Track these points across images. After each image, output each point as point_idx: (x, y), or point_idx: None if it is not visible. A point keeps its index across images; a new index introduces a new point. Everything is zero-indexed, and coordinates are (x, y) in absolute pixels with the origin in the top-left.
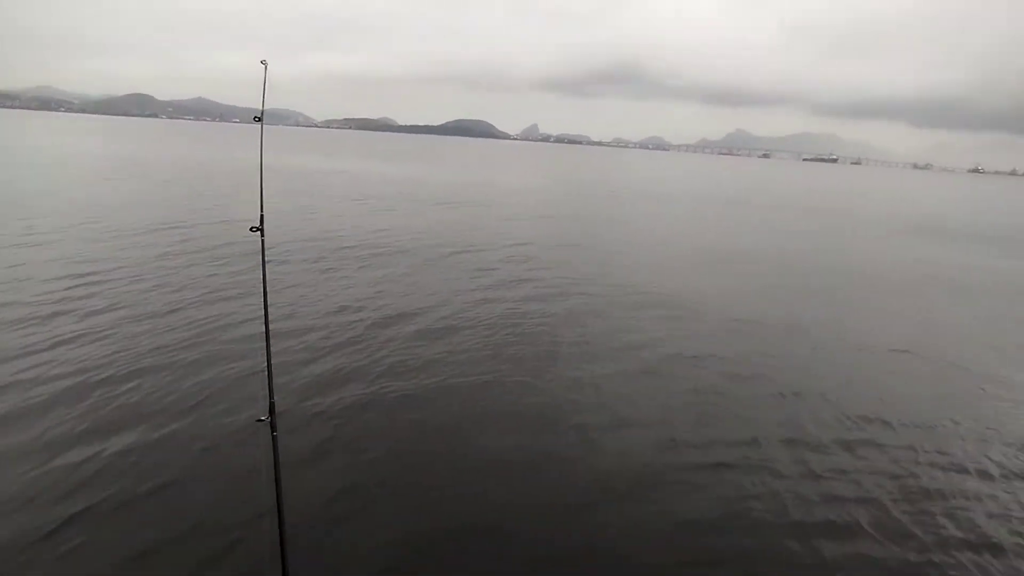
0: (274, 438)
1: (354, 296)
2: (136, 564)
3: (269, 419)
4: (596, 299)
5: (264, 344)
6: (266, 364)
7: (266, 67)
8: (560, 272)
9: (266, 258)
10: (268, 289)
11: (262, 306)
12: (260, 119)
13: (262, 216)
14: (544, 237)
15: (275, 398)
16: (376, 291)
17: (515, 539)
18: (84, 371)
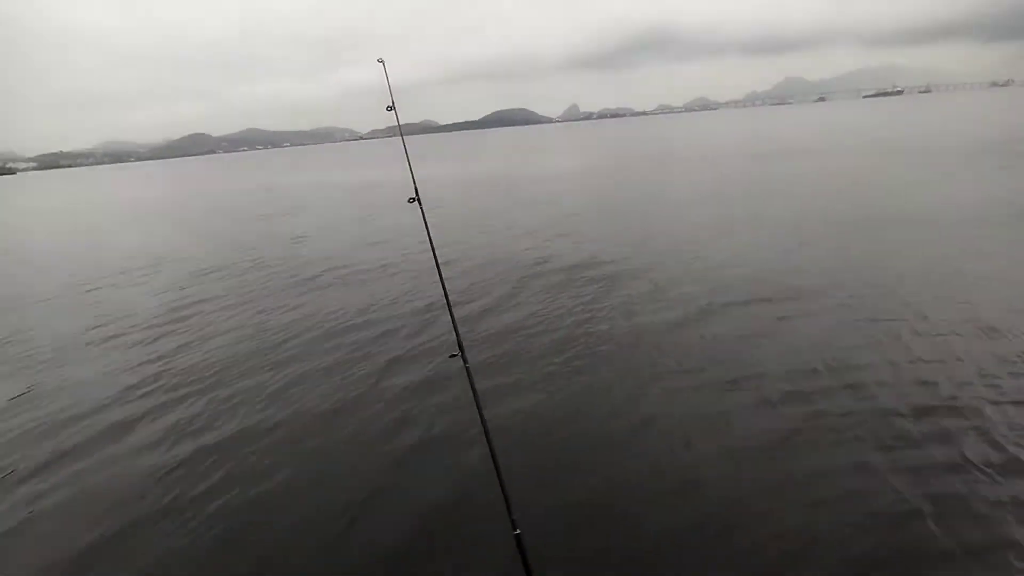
0: (467, 369)
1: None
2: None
3: (460, 354)
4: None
5: (442, 292)
6: (447, 308)
7: (384, 63)
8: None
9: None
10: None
11: (433, 260)
12: (392, 107)
13: (416, 189)
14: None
15: (461, 339)
16: (528, 247)
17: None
18: (311, 328)
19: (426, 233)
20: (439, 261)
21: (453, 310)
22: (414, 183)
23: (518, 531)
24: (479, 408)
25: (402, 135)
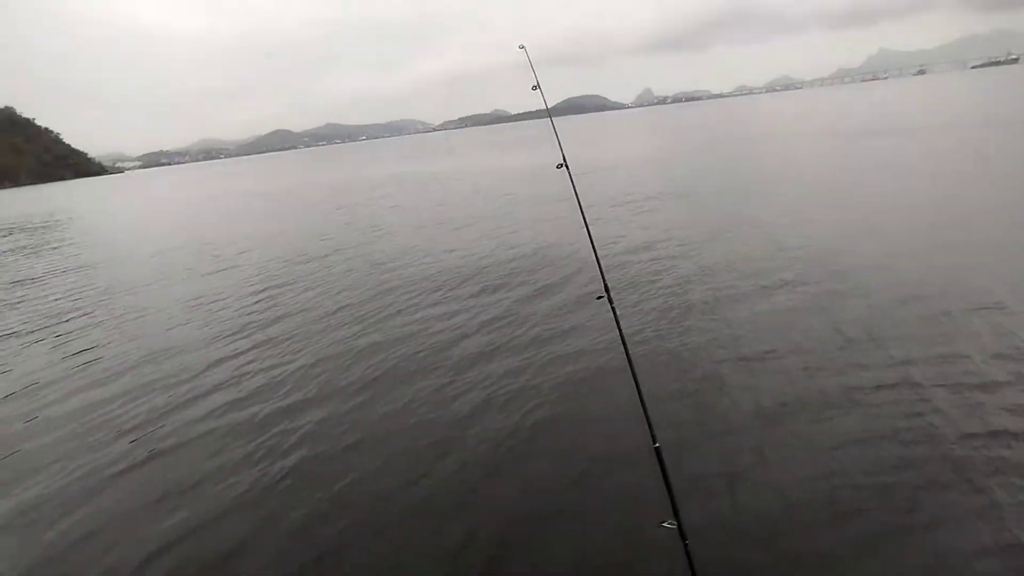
0: (613, 308)
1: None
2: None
3: (606, 296)
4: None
5: (589, 241)
6: (594, 254)
7: (525, 49)
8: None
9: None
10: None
11: (580, 213)
12: (536, 87)
13: (563, 156)
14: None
15: (607, 282)
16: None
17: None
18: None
19: (574, 193)
20: (586, 218)
21: (600, 258)
22: (562, 152)
23: (657, 444)
24: (621, 334)
25: (551, 117)
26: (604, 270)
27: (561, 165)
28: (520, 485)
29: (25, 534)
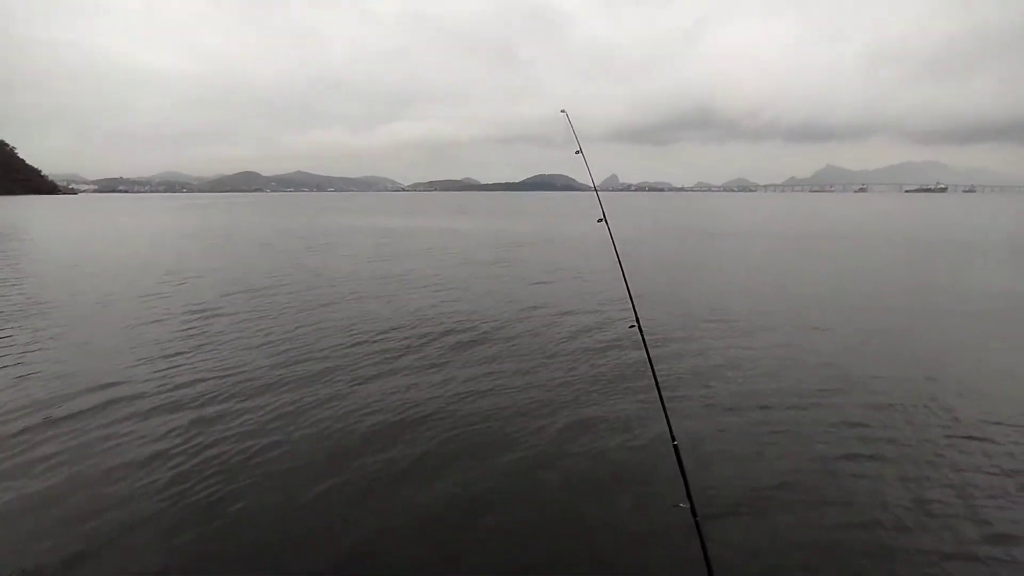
0: (642, 333)
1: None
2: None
3: (637, 325)
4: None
5: (624, 282)
6: (627, 290)
7: (566, 114)
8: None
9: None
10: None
11: (615, 257)
12: (579, 152)
13: (603, 212)
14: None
15: (638, 314)
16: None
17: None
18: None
19: (611, 243)
20: (621, 261)
21: (631, 290)
22: (602, 208)
23: (676, 442)
24: (646, 349)
25: (593, 183)
26: (635, 305)
27: (601, 220)
28: (555, 475)
29: None
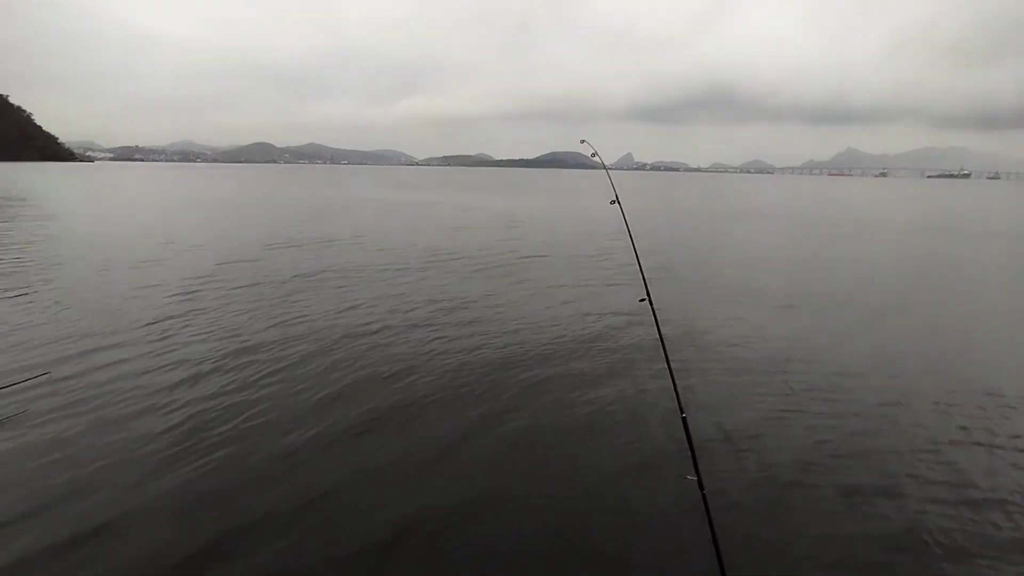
0: (652, 306)
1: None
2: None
3: (647, 299)
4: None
5: (636, 257)
6: (638, 266)
7: (588, 143)
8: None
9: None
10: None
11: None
12: (595, 155)
13: (616, 194)
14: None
15: (649, 289)
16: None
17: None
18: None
19: (623, 220)
20: (633, 237)
21: (642, 264)
22: (615, 191)
23: (685, 415)
24: (657, 323)
25: (605, 167)
26: (646, 279)
27: (614, 201)
28: (562, 443)
29: None
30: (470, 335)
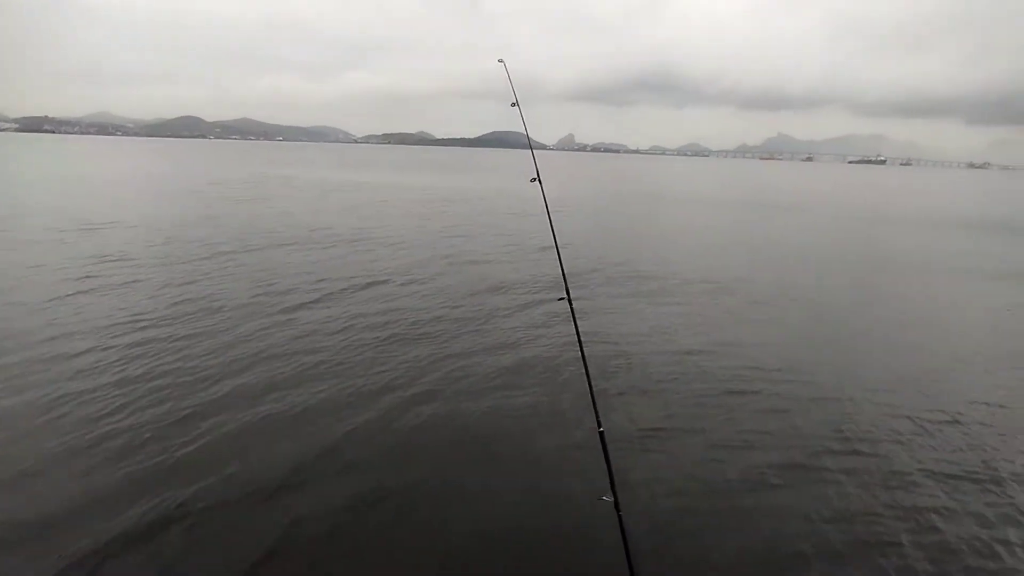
0: (572, 308)
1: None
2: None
3: (567, 297)
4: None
5: (556, 250)
6: (558, 260)
7: (504, 64)
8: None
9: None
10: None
11: (548, 223)
12: (516, 104)
13: (537, 171)
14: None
15: (568, 287)
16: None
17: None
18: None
19: (544, 203)
20: (554, 227)
21: (563, 259)
22: (536, 168)
23: (602, 428)
24: (576, 327)
25: (529, 138)
26: (566, 275)
27: (534, 179)
28: (479, 464)
29: None
30: (383, 323)
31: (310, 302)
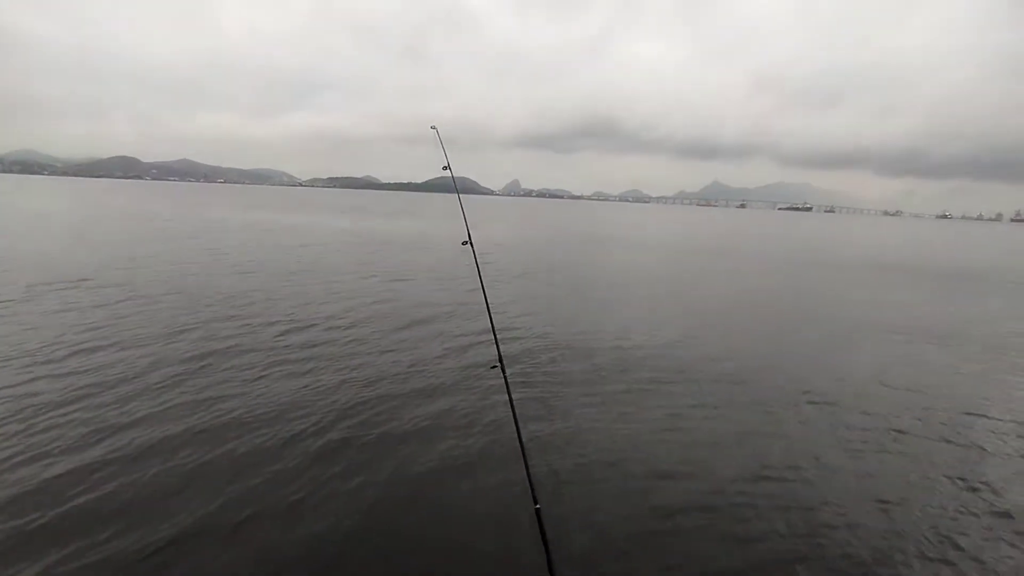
0: (505, 377)
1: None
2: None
3: (499, 365)
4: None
5: (487, 313)
6: (491, 326)
7: (436, 131)
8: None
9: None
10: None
11: (480, 288)
12: (448, 167)
13: (469, 234)
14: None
15: (501, 352)
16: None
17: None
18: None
19: (476, 267)
20: (486, 292)
21: (496, 330)
22: (467, 230)
23: (538, 506)
24: (510, 397)
25: (458, 192)
26: (499, 342)
27: (466, 242)
28: (406, 544)
29: None
30: (307, 370)
31: (229, 345)
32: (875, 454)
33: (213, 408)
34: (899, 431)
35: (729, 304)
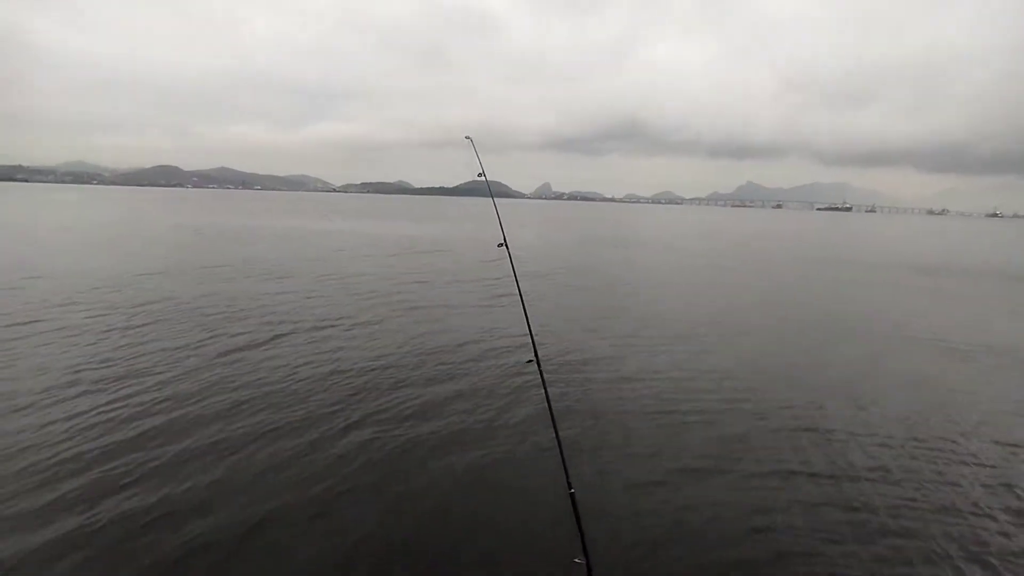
0: (540, 372)
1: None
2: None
3: (535, 359)
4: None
5: (523, 312)
6: (526, 323)
7: (471, 140)
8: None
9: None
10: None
11: (517, 290)
12: (483, 174)
13: (504, 237)
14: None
15: (537, 349)
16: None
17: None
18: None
19: (511, 269)
20: (521, 291)
21: (532, 329)
22: (503, 232)
23: (573, 490)
24: (545, 390)
25: (493, 196)
26: (535, 337)
27: (501, 244)
28: (447, 524)
29: None
30: (333, 372)
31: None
32: (920, 461)
33: (249, 406)
34: (946, 439)
35: (780, 309)
